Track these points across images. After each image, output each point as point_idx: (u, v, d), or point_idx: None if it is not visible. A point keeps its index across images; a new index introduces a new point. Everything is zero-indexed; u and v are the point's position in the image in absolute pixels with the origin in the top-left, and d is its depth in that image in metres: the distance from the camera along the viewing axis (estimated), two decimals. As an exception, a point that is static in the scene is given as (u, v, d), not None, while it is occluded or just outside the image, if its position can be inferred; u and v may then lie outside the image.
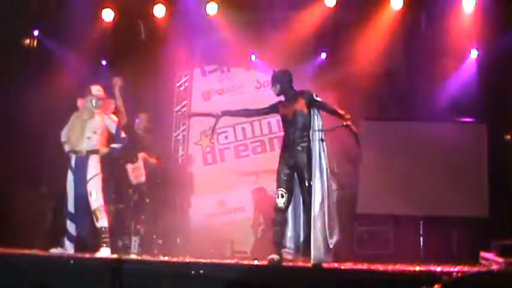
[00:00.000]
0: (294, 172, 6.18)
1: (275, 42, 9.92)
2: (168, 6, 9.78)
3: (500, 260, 5.82)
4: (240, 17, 9.54)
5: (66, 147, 6.98)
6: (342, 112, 6.29)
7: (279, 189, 6.11)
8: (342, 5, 9.50)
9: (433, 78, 10.02)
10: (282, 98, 6.44)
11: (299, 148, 6.17)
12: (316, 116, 6.32)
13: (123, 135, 7.10)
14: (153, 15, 9.88)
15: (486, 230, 8.90)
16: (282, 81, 6.35)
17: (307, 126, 6.24)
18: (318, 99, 6.40)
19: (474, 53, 10.11)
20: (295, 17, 9.76)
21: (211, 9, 9.70)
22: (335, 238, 6.07)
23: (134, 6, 9.81)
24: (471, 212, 9.61)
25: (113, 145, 7.09)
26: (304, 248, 6.16)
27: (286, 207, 6.12)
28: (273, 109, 6.45)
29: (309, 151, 6.15)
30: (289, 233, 6.26)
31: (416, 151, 9.79)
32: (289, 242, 6.24)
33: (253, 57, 10.75)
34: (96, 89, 6.99)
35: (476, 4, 9.30)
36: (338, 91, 10.52)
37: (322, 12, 9.65)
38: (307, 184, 6.06)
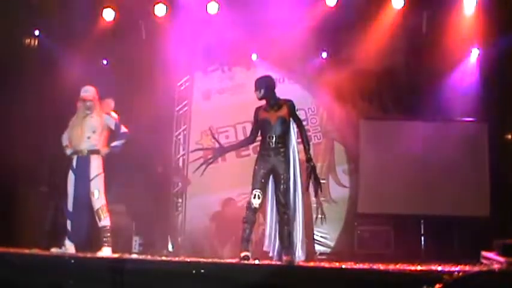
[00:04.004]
0: (270, 174, 6.32)
1: (276, 42, 9.92)
2: (168, 5, 9.78)
3: (501, 259, 5.80)
4: (241, 17, 9.53)
5: (68, 151, 6.96)
6: (307, 147, 6.41)
7: (255, 190, 6.25)
8: (342, 4, 9.49)
9: (434, 78, 10.04)
10: (262, 102, 6.51)
11: (277, 152, 6.30)
12: (293, 125, 6.49)
13: (123, 129, 7.05)
14: (154, 14, 9.88)
15: (487, 229, 8.91)
16: (266, 86, 6.42)
17: (286, 133, 6.39)
18: (298, 114, 6.59)
19: (475, 53, 10.13)
20: (295, 16, 9.76)
21: (212, 8, 9.70)
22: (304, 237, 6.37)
23: (135, 5, 9.80)
24: (472, 211, 9.63)
25: (114, 143, 7.05)
26: (280, 245, 6.31)
27: (259, 207, 6.26)
28: (258, 124, 6.50)
29: (286, 156, 6.32)
30: (267, 231, 6.44)
31: (416, 151, 9.79)
32: (267, 240, 6.43)
33: (254, 56, 10.76)
34: (84, 90, 6.93)
35: (477, 4, 9.30)
36: (338, 91, 10.57)
37: (322, 11, 9.64)
38: (283, 186, 6.23)
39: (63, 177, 6.99)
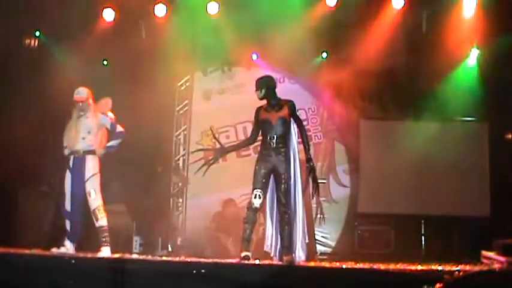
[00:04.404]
0: (271, 174, 6.33)
1: (276, 42, 9.92)
2: (168, 5, 9.77)
3: (502, 259, 5.80)
4: (241, 17, 9.53)
5: (66, 151, 6.94)
6: (307, 147, 6.43)
7: (256, 190, 6.26)
8: (342, 4, 9.49)
9: (434, 78, 10.04)
10: (262, 102, 6.51)
11: (278, 152, 6.31)
12: (293, 125, 6.50)
13: (119, 129, 6.96)
14: (154, 14, 9.88)
15: (487, 228, 8.91)
16: (267, 86, 6.43)
17: (287, 133, 6.40)
18: (298, 114, 6.60)
19: (475, 53, 10.12)
20: (295, 16, 9.77)
21: (212, 8, 9.70)
22: (307, 237, 6.36)
23: (135, 5, 9.79)
24: (472, 211, 9.64)
25: (109, 143, 6.96)
26: (281, 245, 6.32)
27: (260, 207, 6.27)
28: (259, 123, 6.50)
29: (286, 155, 6.33)
30: (267, 231, 6.45)
31: (416, 151, 9.79)
32: (268, 240, 6.42)
33: (254, 56, 10.76)
34: (76, 92, 6.89)
35: (476, 4, 9.30)
36: (338, 91, 10.58)
37: (322, 11, 9.64)
38: (284, 186, 6.24)
39: (62, 177, 6.98)
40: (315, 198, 6.52)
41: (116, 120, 7.05)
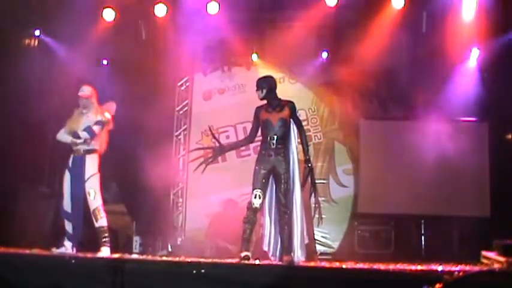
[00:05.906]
0: (271, 174, 6.35)
1: (276, 42, 9.91)
2: (168, 5, 9.77)
3: (501, 259, 5.80)
4: (241, 17, 9.53)
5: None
6: (306, 148, 6.48)
7: (256, 190, 6.27)
8: (342, 4, 9.49)
9: (434, 78, 10.04)
10: (262, 102, 6.52)
11: (278, 152, 6.34)
12: (293, 126, 6.53)
13: (94, 129, 6.76)
14: (154, 14, 9.88)
15: (487, 229, 8.92)
16: (268, 86, 6.46)
17: (287, 134, 6.43)
18: (298, 115, 6.66)
19: (475, 53, 10.12)
20: (296, 16, 9.77)
21: (212, 8, 9.70)
22: (306, 238, 6.37)
23: (135, 5, 9.79)
24: (472, 211, 9.63)
25: (80, 133, 6.74)
26: (280, 245, 6.34)
27: (260, 207, 6.29)
28: (258, 122, 6.52)
29: (286, 156, 6.37)
30: (266, 231, 6.46)
31: (416, 151, 9.79)
32: (266, 240, 6.44)
33: (254, 56, 10.76)
34: (81, 90, 6.84)
35: (477, 4, 9.30)
36: (338, 91, 10.58)
37: (323, 11, 9.64)
38: (284, 186, 6.26)
39: (61, 177, 6.97)
40: (313, 199, 6.54)
41: (112, 120, 6.97)
